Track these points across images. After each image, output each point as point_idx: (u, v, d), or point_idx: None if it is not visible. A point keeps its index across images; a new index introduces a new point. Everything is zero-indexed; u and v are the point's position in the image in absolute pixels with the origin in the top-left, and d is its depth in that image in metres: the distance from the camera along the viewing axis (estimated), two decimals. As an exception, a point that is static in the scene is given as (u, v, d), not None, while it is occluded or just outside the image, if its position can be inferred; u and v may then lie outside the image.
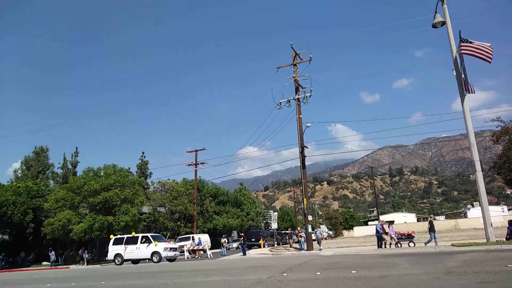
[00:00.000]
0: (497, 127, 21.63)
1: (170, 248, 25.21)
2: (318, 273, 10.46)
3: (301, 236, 27.33)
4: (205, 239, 34.35)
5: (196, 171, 41.34)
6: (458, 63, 17.52)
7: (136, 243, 25.10)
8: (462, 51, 16.90)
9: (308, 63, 26.24)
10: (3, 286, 14.46)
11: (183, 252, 28.98)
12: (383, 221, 22.60)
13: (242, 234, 31.81)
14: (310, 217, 24.95)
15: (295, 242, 33.30)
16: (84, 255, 32.09)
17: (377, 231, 20.95)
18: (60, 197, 32.12)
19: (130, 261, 25.52)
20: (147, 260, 25.41)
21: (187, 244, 30.83)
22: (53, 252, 32.73)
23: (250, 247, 36.01)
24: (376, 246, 21.02)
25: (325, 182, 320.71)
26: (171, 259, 24.86)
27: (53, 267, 31.32)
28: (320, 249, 23.72)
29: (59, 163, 45.17)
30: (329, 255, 18.24)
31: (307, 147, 26.03)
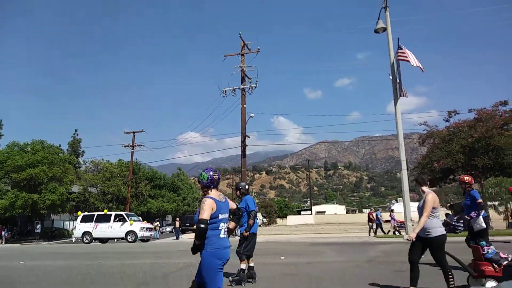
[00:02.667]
0: (423, 130, 23.36)
1: (146, 228, 24.25)
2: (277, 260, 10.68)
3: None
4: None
5: (132, 153, 39.89)
6: (394, 68, 18.58)
7: (108, 221, 23.86)
8: (399, 57, 17.93)
9: (256, 54, 26.33)
10: None
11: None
12: (372, 210, 23.57)
13: (177, 218, 31.47)
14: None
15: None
16: (3, 233, 29.83)
17: (377, 218, 21.54)
18: (-23, 171, 29.43)
19: (97, 240, 24.14)
20: (115, 240, 24.30)
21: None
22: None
23: (184, 231, 35.80)
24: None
25: (264, 172, 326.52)
26: (145, 239, 23.86)
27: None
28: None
29: (-21, 134, 41.13)
30: (261, 241, 18.66)
31: (249, 137, 26.24)
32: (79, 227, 24.19)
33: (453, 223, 16.90)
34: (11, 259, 13.27)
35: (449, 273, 4.96)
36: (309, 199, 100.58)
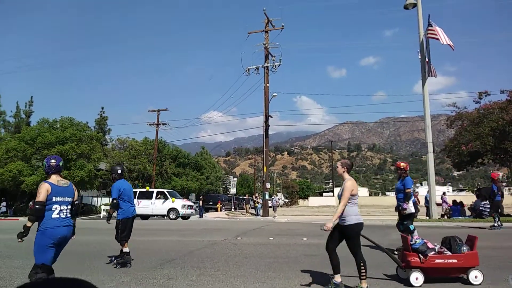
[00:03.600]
0: (452, 112, 22.65)
1: (188, 206, 24.62)
2: (271, 238, 10.84)
3: (257, 202, 27.96)
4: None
5: (157, 131, 40.57)
6: (424, 46, 17.96)
7: (150, 198, 24.35)
8: (429, 35, 17.30)
9: (280, 31, 25.92)
10: None
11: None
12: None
13: (201, 197, 32.01)
14: (268, 185, 25.48)
15: (252, 208, 34.06)
16: (34, 208, 31.21)
17: (426, 200, 21.22)
18: (11, 147, 30.59)
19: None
20: (155, 217, 24.76)
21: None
22: (4, 203, 31.53)
23: (207, 210, 36.49)
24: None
25: (286, 152, 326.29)
26: (186, 217, 24.26)
27: (3, 218, 30.29)
28: (274, 216, 24.44)
29: (11, 111, 42.54)
30: (283, 222, 18.86)
31: (271, 117, 26.18)
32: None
33: (480, 208, 16.55)
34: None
35: (361, 264, 4.80)
36: (331, 180, 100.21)
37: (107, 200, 38.96)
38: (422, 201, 22.10)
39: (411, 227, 7.52)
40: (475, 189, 28.96)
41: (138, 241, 10.73)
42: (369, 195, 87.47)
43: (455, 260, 5.21)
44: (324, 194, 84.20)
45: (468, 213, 18.40)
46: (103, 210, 28.60)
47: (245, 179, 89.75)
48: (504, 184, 22.96)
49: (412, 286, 5.06)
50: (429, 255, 5.22)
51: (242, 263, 6.90)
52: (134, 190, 26.54)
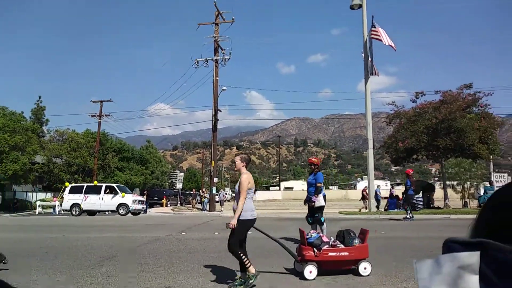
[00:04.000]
0: (391, 110, 23.91)
1: (138, 201, 23.62)
2: (216, 233, 10.82)
3: (204, 197, 27.76)
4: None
5: (99, 123, 38.73)
6: (367, 46, 18.75)
7: (99, 193, 23.03)
8: (373, 36, 18.10)
9: (230, 24, 25.74)
10: None
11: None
12: (366, 187, 22.35)
13: (145, 192, 31.14)
14: (216, 179, 25.37)
15: (198, 203, 33.76)
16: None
17: (376, 194, 21.56)
18: None
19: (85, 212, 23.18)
20: (107, 213, 23.62)
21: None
22: None
23: (152, 205, 35.59)
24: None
25: (235, 147, 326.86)
26: (137, 212, 23.24)
27: None
28: (221, 211, 24.42)
29: None
30: (229, 216, 18.88)
31: (220, 111, 26.00)
32: (67, 199, 23.25)
33: (414, 201, 17.68)
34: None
35: (244, 258, 4.85)
36: (278, 175, 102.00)
37: (43, 195, 36.64)
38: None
39: (322, 219, 7.87)
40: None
41: (78, 238, 10.22)
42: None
43: (347, 253, 5.40)
44: (271, 188, 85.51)
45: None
46: (39, 206, 26.87)
47: (192, 173, 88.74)
48: (436, 179, 24.66)
49: (306, 279, 5.15)
50: (322, 248, 5.36)
51: (185, 258, 6.81)
52: (80, 184, 25.29)
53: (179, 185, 41.31)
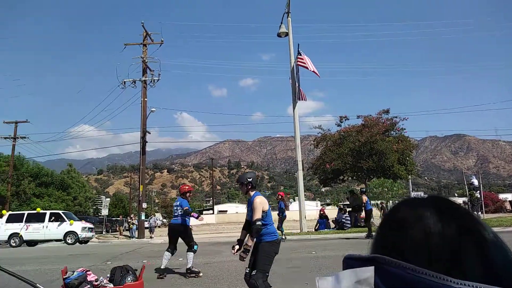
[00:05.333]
0: (318, 133, 25.04)
1: (88, 228, 21.57)
2: (144, 261, 10.22)
3: (133, 224, 26.38)
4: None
5: (14, 145, 35.46)
6: (294, 72, 19.56)
7: (42, 221, 20.67)
8: (299, 63, 18.96)
9: (159, 46, 25.45)
10: None
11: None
12: (324, 207, 21.31)
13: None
14: (144, 205, 24.27)
15: (126, 230, 31.98)
16: None
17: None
18: None
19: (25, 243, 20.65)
20: (52, 242, 20.92)
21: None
22: None
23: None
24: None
25: (166, 170, 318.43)
26: (86, 241, 21.16)
27: None
28: (151, 237, 23.33)
29: None
30: (159, 243, 18.07)
31: (149, 133, 25.20)
32: (4, 228, 20.80)
33: (342, 220, 18.37)
34: None
35: None
36: (211, 198, 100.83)
37: None
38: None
39: (196, 247, 7.95)
40: (344, 203, 32.20)
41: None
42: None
43: None
44: (204, 212, 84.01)
45: (332, 225, 20.28)
46: None
47: (119, 199, 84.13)
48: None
49: None
50: None
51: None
52: (20, 212, 22.69)
53: (104, 212, 38.84)
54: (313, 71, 18.47)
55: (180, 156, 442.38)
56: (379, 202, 28.30)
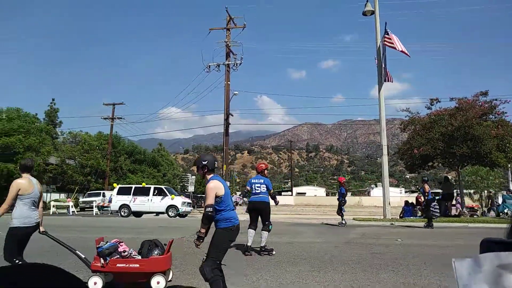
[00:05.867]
0: (405, 117, 23.59)
1: (188, 203, 23.63)
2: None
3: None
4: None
5: (112, 125, 39.19)
6: (380, 53, 18.59)
7: (147, 194, 22.99)
8: (386, 42, 17.94)
9: (242, 29, 25.90)
10: None
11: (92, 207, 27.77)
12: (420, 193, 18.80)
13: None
14: (227, 183, 25.33)
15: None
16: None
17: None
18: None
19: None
20: (154, 215, 23.42)
21: (97, 200, 29.57)
22: None
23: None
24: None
25: (246, 151, 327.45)
26: (185, 214, 23.08)
27: None
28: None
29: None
30: (241, 220, 18.82)
31: (232, 115, 26.07)
32: (115, 200, 23.22)
33: (431, 209, 17.40)
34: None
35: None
36: (290, 180, 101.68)
37: (57, 195, 37.11)
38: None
39: (270, 227, 8.02)
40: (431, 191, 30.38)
41: (92, 238, 10.25)
42: (326, 195, 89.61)
43: (137, 265, 5.00)
44: (283, 193, 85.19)
45: (419, 213, 19.26)
46: (53, 206, 27.18)
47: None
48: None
49: None
50: (110, 259, 4.96)
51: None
52: (128, 185, 25.34)
53: (191, 188, 41.39)
54: (402, 51, 17.38)
55: (260, 138, 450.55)
56: (472, 191, 26.10)
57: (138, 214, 23.21)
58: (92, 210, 27.65)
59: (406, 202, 20.61)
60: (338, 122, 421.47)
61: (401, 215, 19.44)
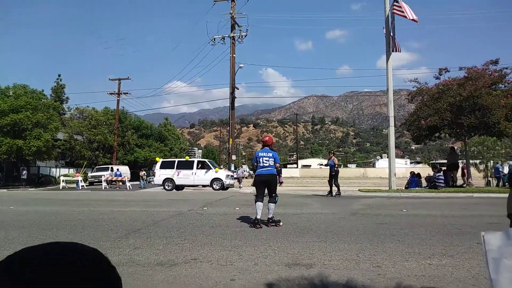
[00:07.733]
0: (413, 87, 23.26)
1: (231, 176, 23.81)
2: (237, 208, 10.93)
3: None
4: (124, 170, 33.63)
5: (118, 101, 39.28)
6: (389, 22, 18.14)
7: (191, 168, 23.01)
8: (395, 11, 17.46)
9: (247, 0, 25.35)
10: None
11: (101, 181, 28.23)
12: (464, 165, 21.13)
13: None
14: (234, 157, 25.55)
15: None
16: (-11, 178, 29.75)
17: (497, 171, 21.95)
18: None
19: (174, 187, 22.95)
20: (200, 187, 23.62)
21: (106, 174, 30.02)
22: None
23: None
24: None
25: (252, 125, 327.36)
26: (227, 187, 23.19)
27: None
28: (240, 187, 24.67)
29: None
30: (248, 192, 19.04)
31: (237, 88, 25.92)
32: (159, 174, 23.19)
33: (435, 179, 17.41)
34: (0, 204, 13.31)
35: None
36: (295, 153, 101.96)
37: (66, 170, 37.67)
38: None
39: (277, 198, 8.21)
40: (431, 162, 30.44)
41: (103, 211, 10.50)
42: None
43: None
44: (288, 166, 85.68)
45: (424, 183, 19.36)
46: (62, 181, 27.68)
47: (210, 151, 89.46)
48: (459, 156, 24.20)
49: None
50: None
51: (209, 232, 6.92)
52: (172, 159, 25.32)
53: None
54: (413, 19, 16.91)
55: (265, 111, 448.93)
56: (478, 161, 26.02)
57: (179, 187, 23.20)
58: (101, 184, 28.12)
59: (412, 173, 20.66)
60: (344, 94, 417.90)
61: (407, 185, 19.53)
